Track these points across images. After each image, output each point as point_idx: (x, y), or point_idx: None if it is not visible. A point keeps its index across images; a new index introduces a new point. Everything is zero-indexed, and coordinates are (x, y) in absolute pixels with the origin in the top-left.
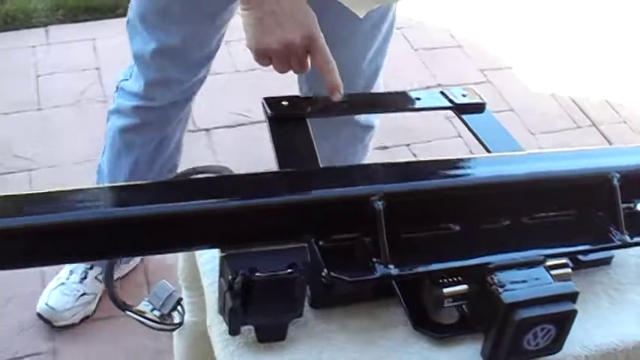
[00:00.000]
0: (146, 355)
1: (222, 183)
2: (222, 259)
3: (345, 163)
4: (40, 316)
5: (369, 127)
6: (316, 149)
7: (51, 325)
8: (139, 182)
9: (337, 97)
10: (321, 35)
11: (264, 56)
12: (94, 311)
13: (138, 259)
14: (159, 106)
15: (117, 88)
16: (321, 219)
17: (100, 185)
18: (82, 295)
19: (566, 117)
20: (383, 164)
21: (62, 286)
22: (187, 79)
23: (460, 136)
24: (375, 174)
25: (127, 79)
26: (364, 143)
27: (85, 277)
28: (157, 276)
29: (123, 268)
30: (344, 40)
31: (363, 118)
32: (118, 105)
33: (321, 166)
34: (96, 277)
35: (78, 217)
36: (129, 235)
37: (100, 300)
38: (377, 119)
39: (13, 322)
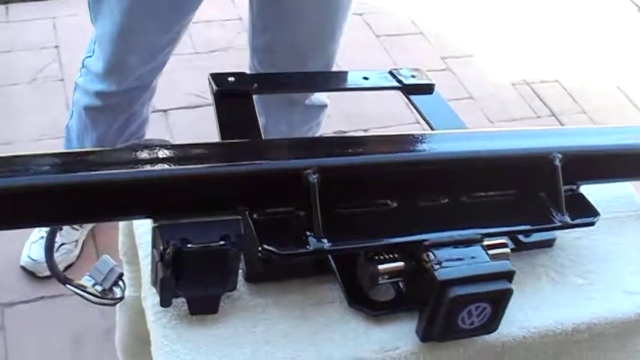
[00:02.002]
0: (95, 333)
1: (157, 153)
2: (155, 230)
3: None
4: (23, 268)
5: (321, 107)
6: (261, 126)
7: (35, 277)
8: (73, 150)
9: None
10: None
11: None
12: (78, 257)
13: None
14: (118, 91)
15: (82, 63)
16: (256, 191)
17: (35, 153)
18: (61, 245)
19: (526, 106)
20: (320, 138)
21: (42, 239)
22: (143, 64)
23: (418, 122)
24: (311, 147)
25: (90, 56)
26: (318, 120)
27: (61, 228)
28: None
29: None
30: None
31: (314, 98)
32: (82, 83)
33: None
34: (71, 227)
35: (10, 183)
36: (62, 202)
37: (82, 246)
38: (327, 98)
39: None
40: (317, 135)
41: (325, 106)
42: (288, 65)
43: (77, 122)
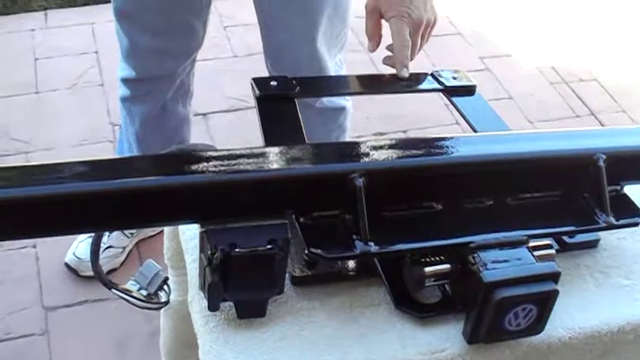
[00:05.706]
0: (139, 337)
1: (205, 158)
2: (202, 235)
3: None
4: (67, 265)
5: (337, 109)
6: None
7: (77, 276)
8: (120, 156)
9: (404, 73)
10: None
11: None
12: (122, 264)
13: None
14: (140, 78)
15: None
16: (302, 195)
17: (80, 159)
18: (108, 247)
19: (565, 106)
20: (366, 141)
21: (90, 238)
22: (154, 48)
23: (458, 123)
24: (357, 151)
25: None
26: (338, 123)
27: (112, 231)
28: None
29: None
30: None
31: (326, 100)
32: (118, 75)
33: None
34: (122, 232)
35: (61, 190)
36: (109, 209)
37: (128, 254)
38: (347, 100)
39: (6, 303)
40: (344, 137)
41: (343, 108)
42: (285, 67)
43: (122, 119)
